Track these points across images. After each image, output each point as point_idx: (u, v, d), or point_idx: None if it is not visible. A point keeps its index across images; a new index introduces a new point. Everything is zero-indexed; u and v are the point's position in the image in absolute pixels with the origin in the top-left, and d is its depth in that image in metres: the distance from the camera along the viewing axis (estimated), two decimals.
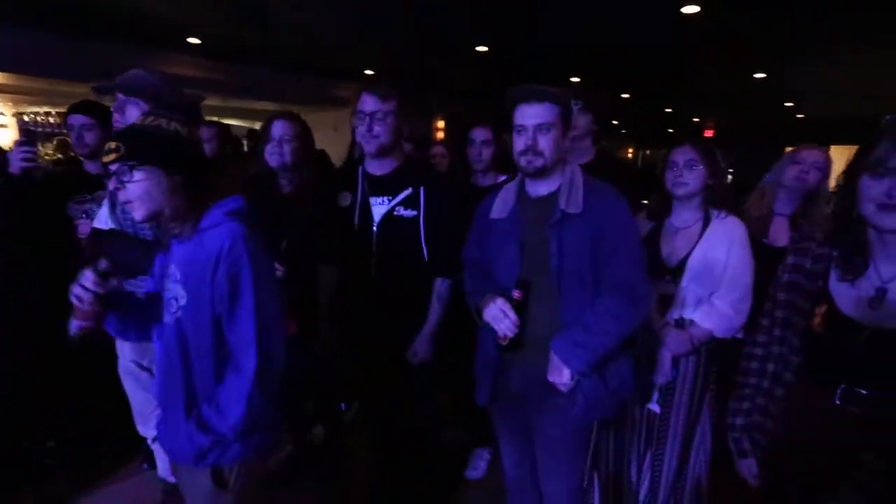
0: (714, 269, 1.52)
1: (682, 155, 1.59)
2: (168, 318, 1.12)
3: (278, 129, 1.75)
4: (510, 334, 1.35)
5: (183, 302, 1.09)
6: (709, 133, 12.35)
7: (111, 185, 1.09)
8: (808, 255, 1.12)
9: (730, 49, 5.32)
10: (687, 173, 1.57)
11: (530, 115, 1.32)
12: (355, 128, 1.59)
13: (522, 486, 1.66)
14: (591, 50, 5.62)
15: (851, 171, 0.98)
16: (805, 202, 1.91)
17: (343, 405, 2.39)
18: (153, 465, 2.02)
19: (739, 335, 1.57)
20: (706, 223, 1.57)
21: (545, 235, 1.34)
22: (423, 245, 1.63)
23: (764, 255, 1.59)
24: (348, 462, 2.36)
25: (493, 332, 1.39)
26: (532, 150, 1.32)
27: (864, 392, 0.98)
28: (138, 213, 1.06)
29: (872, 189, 0.93)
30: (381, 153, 1.60)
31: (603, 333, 1.30)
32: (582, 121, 1.98)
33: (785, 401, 1.14)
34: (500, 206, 1.45)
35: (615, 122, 13.77)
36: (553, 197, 1.37)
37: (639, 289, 1.33)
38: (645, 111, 10.69)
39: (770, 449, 1.17)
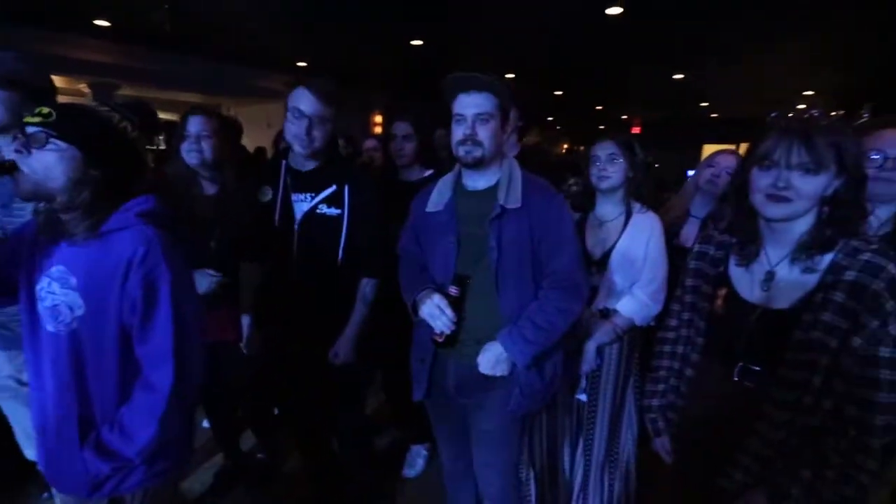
0: (635, 261, 1.60)
1: (603, 149, 1.65)
2: (55, 329, 1.00)
3: (194, 125, 1.65)
4: (447, 331, 1.34)
5: (80, 312, 0.98)
6: (635, 130, 13.04)
7: (14, 146, 0.95)
8: (711, 244, 1.20)
9: (651, 50, 5.63)
10: (609, 167, 1.63)
11: (470, 104, 1.31)
12: (286, 123, 1.51)
13: (460, 480, 1.68)
14: (524, 47, 5.75)
15: (743, 164, 1.06)
16: (717, 204, 2.00)
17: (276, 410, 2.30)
18: None
19: (653, 323, 1.67)
20: (628, 217, 1.65)
21: (483, 230, 1.33)
22: (347, 245, 1.59)
23: (675, 255, 1.66)
24: (283, 466, 2.29)
25: (430, 328, 1.38)
26: (471, 139, 1.31)
27: (757, 368, 1.06)
28: (25, 187, 0.94)
29: (760, 181, 1.00)
30: (312, 156, 1.55)
31: (549, 328, 1.32)
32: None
33: (692, 379, 1.22)
34: (437, 200, 1.43)
35: (550, 119, 14.22)
36: (491, 191, 1.36)
37: (580, 282, 1.37)
38: (577, 108, 11.11)
39: (680, 425, 1.25)
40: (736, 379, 1.09)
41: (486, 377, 1.36)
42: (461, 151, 1.33)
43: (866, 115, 6.40)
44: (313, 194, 1.57)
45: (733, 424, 1.09)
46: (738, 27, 4.64)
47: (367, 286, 1.65)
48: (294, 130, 1.49)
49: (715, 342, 1.17)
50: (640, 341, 1.75)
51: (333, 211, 1.56)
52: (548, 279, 1.34)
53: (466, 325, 1.36)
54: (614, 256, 1.62)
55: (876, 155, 1.27)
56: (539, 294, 1.35)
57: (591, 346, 1.67)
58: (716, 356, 1.16)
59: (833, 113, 1.00)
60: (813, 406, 0.99)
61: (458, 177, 1.44)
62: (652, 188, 1.76)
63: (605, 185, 1.63)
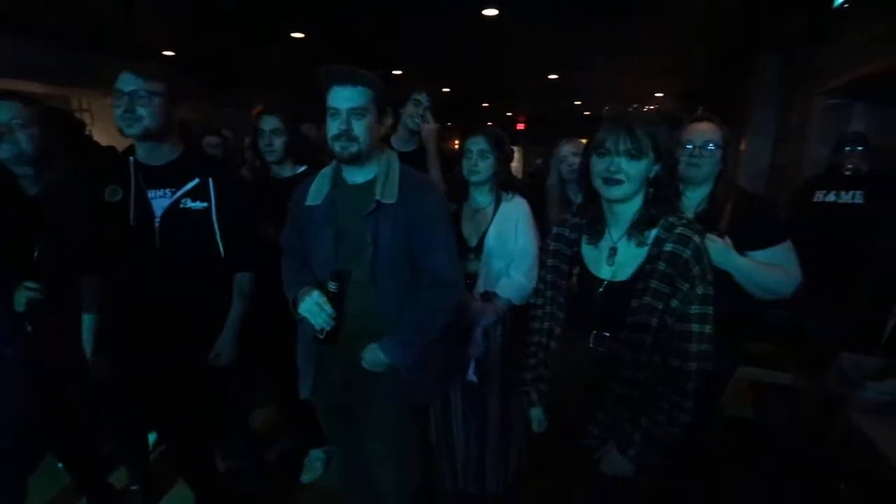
0: (507, 244, 1.72)
1: (475, 144, 1.74)
2: None
3: (4, 113, 1.44)
4: (327, 328, 1.33)
5: None
6: (520, 126, 13.82)
7: None
8: (566, 226, 1.33)
9: (527, 50, 6.00)
10: (480, 162, 1.73)
11: (344, 97, 1.28)
12: (114, 111, 1.37)
13: (357, 478, 1.67)
14: (407, 44, 5.80)
15: (585, 153, 1.19)
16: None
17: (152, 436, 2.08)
18: None
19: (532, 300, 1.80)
20: (497, 204, 1.76)
21: (360, 225, 1.33)
22: (218, 239, 1.50)
23: None
24: (163, 494, 2.09)
25: (311, 325, 1.35)
26: (346, 134, 1.29)
27: (607, 334, 1.20)
28: None
29: (598, 166, 1.14)
30: (150, 139, 1.42)
31: (429, 327, 1.35)
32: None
33: (557, 351, 1.34)
34: (316, 193, 1.40)
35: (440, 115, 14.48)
36: (370, 185, 1.36)
37: (454, 278, 1.41)
38: (466, 105, 11.48)
39: (548, 394, 1.36)
40: (591, 346, 1.22)
41: (372, 372, 1.37)
42: (336, 147, 1.31)
43: (701, 113, 7.45)
44: (174, 189, 1.45)
45: (591, 387, 1.22)
46: (597, 37, 5.13)
47: (242, 280, 1.58)
48: (117, 113, 1.37)
49: (573, 315, 1.30)
50: (522, 320, 1.88)
51: (199, 204, 1.45)
52: (422, 276, 1.37)
53: (349, 320, 1.36)
54: (488, 241, 1.72)
55: (689, 145, 1.51)
56: (416, 294, 1.37)
57: (477, 331, 1.76)
58: (575, 328, 1.29)
59: (647, 108, 1.16)
60: (647, 362, 1.15)
61: (338, 170, 1.42)
62: (514, 178, 1.87)
63: (476, 178, 1.73)
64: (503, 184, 1.77)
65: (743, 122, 5.32)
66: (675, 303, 1.11)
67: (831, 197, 2.70)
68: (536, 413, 1.39)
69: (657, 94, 9.02)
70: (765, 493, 1.87)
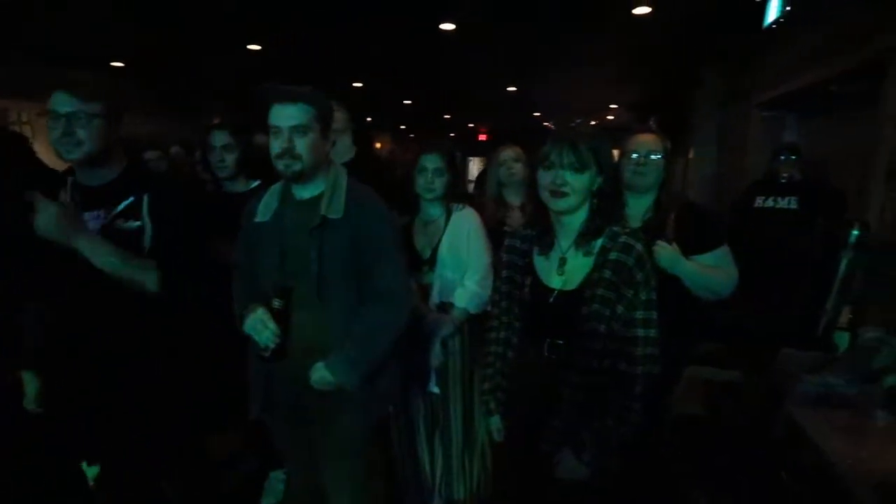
0: (460, 255, 1.74)
1: (431, 162, 1.75)
2: None
3: None
4: (272, 345, 1.31)
5: None
6: (482, 137, 14.04)
7: None
8: (517, 237, 1.36)
9: (484, 64, 6.12)
10: (437, 179, 1.75)
11: (285, 115, 1.27)
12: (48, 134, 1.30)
13: (309, 497, 1.61)
14: (366, 56, 5.81)
15: (532, 166, 1.23)
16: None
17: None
18: None
19: (489, 308, 1.82)
20: (449, 216, 1.78)
21: (307, 241, 1.32)
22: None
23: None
24: None
25: (256, 343, 1.33)
26: (289, 153, 1.28)
27: (560, 342, 1.24)
28: None
29: (544, 179, 1.18)
30: (91, 162, 1.35)
31: (375, 345, 1.34)
32: (338, 116, 2.03)
33: (514, 360, 1.37)
34: (264, 210, 1.39)
35: (403, 127, 14.57)
36: (316, 200, 1.35)
37: (401, 294, 1.40)
38: (427, 117, 11.58)
39: (506, 403, 1.39)
40: (546, 354, 1.26)
41: (322, 391, 1.35)
42: (280, 165, 1.30)
43: (653, 124, 7.79)
44: (108, 210, 1.38)
45: (547, 394, 1.25)
46: (551, 51, 5.30)
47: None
48: (53, 136, 1.29)
49: (528, 325, 1.33)
50: (479, 329, 1.90)
51: (132, 224, 1.38)
52: (368, 292, 1.36)
53: (296, 337, 1.34)
54: (441, 253, 1.74)
55: (634, 155, 1.58)
56: (361, 310, 1.35)
57: (435, 342, 1.77)
58: (530, 337, 1.32)
59: (592, 123, 1.21)
60: (598, 367, 1.19)
61: (287, 186, 1.41)
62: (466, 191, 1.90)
63: (430, 196, 1.75)
64: (456, 196, 1.80)
65: (691, 132, 5.60)
66: (620, 309, 1.15)
67: (770, 202, 2.93)
68: (495, 422, 1.41)
69: (612, 106, 9.38)
70: (714, 488, 1.96)
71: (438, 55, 5.65)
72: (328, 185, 1.36)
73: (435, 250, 1.75)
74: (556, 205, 1.18)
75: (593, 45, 5.09)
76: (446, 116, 11.98)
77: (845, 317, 2.23)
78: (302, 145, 1.28)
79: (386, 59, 5.92)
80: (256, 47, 5.50)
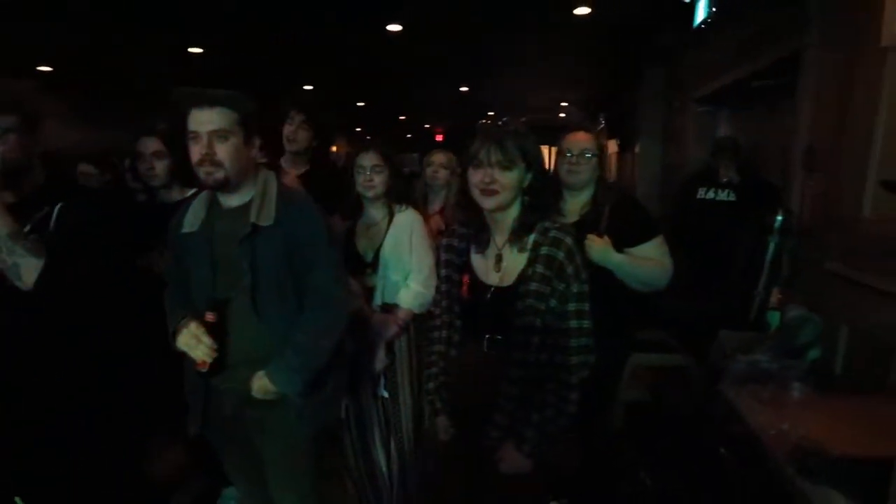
0: (402, 256, 1.73)
1: (368, 160, 1.74)
2: None
3: None
4: (208, 360, 1.26)
5: None
6: (439, 137, 14.06)
7: None
8: (455, 237, 1.37)
9: (433, 64, 6.13)
10: (376, 177, 1.73)
11: (204, 120, 1.22)
12: None
13: None
14: (313, 59, 5.71)
15: (462, 165, 1.25)
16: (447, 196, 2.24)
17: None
18: None
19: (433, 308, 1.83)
20: (391, 217, 1.77)
21: (237, 250, 1.27)
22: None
23: None
24: None
25: (191, 358, 1.28)
26: (209, 159, 1.22)
27: (499, 337, 1.25)
28: None
29: (474, 177, 1.20)
30: (7, 178, 1.26)
31: (315, 351, 1.31)
32: (303, 136, 2.09)
33: (455, 358, 1.38)
34: (192, 220, 1.33)
35: (359, 129, 14.40)
36: (245, 208, 1.30)
37: (339, 297, 1.37)
38: (382, 118, 11.50)
39: (450, 401, 1.39)
40: (485, 350, 1.27)
41: (263, 402, 1.32)
42: (201, 173, 1.24)
43: (602, 121, 8.06)
44: (23, 226, 1.29)
45: (487, 389, 1.26)
46: (497, 50, 5.37)
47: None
48: None
49: (468, 322, 1.34)
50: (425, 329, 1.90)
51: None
52: (306, 298, 1.33)
53: (234, 349, 1.30)
54: (383, 254, 1.73)
55: (568, 153, 1.62)
56: (300, 317, 1.32)
57: (379, 344, 1.75)
58: (470, 334, 1.33)
59: (520, 120, 1.24)
60: (535, 361, 1.21)
61: (214, 194, 1.36)
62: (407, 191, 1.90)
63: (371, 193, 1.73)
64: (397, 196, 1.80)
65: (637, 127, 5.81)
66: (553, 302, 1.18)
67: (711, 194, 3.10)
68: (442, 421, 1.41)
69: (563, 104, 9.60)
70: (659, 468, 2.04)
71: (386, 56, 5.61)
72: (257, 191, 1.32)
73: (377, 252, 1.73)
74: (487, 203, 1.20)
75: (538, 46, 5.19)
76: (402, 117, 11.93)
77: (775, 297, 2.36)
78: (223, 151, 1.22)
79: (334, 61, 5.83)
80: (198, 50, 5.30)
